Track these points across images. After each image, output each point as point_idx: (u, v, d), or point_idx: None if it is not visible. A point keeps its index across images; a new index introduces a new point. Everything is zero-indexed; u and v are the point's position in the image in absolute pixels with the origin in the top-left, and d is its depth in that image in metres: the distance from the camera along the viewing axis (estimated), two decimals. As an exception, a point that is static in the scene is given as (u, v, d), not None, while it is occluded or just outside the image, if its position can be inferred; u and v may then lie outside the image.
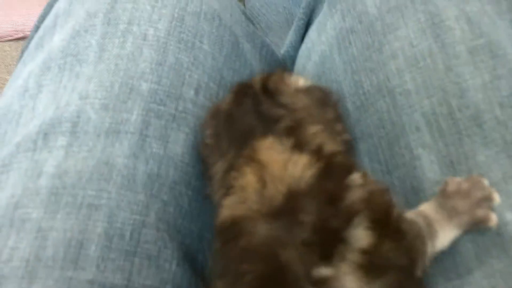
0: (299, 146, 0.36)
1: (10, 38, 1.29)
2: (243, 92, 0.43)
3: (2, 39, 1.29)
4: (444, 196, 0.38)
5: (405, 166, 0.41)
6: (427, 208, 0.38)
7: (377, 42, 0.46)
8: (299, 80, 0.44)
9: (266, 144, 0.36)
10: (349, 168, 0.35)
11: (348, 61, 0.48)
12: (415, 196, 0.40)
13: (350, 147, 0.43)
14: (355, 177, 0.35)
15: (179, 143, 0.43)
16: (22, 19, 1.27)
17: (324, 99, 0.43)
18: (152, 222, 0.40)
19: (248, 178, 0.35)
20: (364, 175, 0.35)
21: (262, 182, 0.35)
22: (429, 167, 0.40)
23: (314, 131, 0.38)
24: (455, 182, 0.38)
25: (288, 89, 0.42)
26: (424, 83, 0.42)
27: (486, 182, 0.38)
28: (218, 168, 0.39)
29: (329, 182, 0.34)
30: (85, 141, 0.41)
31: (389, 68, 0.44)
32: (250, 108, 0.40)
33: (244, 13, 0.56)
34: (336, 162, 0.36)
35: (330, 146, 0.37)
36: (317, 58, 0.52)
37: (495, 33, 0.43)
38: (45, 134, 0.41)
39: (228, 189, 0.36)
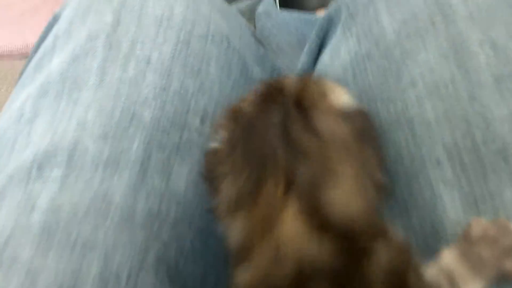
0: (323, 226, 0.32)
1: (21, 54, 1.29)
2: (271, 97, 0.37)
3: (13, 55, 1.29)
4: (467, 241, 0.35)
5: (425, 204, 0.38)
6: (449, 258, 0.35)
7: (395, 68, 0.43)
8: (342, 96, 0.38)
9: (290, 216, 0.32)
10: (372, 236, 0.32)
11: (364, 88, 0.45)
12: (435, 239, 0.37)
13: (383, 190, 0.39)
14: (376, 247, 0.31)
15: (182, 177, 0.41)
16: (34, 35, 1.27)
17: (366, 130, 0.37)
18: (151, 264, 0.37)
19: (262, 254, 0.32)
20: (388, 240, 0.32)
21: (274, 262, 0.31)
22: (451, 206, 0.37)
23: (344, 192, 0.33)
24: (480, 225, 0.35)
25: (327, 108, 0.36)
26: (445, 112, 0.39)
27: None
28: (227, 185, 0.35)
29: (345, 259, 0.31)
30: (82, 173, 0.38)
31: (408, 96, 0.41)
32: (276, 121, 0.34)
33: (254, 36, 0.54)
34: (358, 233, 0.32)
35: (359, 203, 0.33)
36: (330, 84, 0.49)
37: None
38: (40, 163, 0.39)
39: (241, 258, 0.33)
